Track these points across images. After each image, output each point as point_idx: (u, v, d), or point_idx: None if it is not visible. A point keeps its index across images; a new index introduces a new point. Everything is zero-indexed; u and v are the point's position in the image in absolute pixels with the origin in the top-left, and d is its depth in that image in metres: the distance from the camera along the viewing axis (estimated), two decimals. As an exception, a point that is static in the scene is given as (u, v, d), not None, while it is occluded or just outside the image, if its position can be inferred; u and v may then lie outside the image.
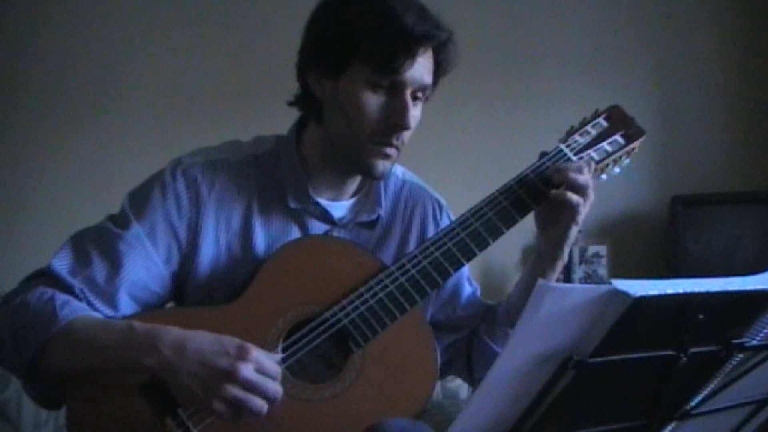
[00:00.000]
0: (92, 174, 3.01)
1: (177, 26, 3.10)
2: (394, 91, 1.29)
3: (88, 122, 3.06)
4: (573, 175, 1.33)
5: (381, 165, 1.33)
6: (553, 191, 1.34)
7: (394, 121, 1.29)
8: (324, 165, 1.38)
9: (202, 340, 1.17)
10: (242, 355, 1.15)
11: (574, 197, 1.33)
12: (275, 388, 1.17)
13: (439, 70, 1.35)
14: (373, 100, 1.29)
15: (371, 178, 1.37)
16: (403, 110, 1.29)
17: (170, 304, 1.38)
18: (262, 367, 1.17)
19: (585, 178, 1.33)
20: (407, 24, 1.26)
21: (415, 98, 1.31)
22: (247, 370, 1.14)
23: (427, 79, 1.31)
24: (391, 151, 1.32)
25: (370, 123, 1.29)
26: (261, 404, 1.16)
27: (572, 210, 1.33)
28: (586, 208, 1.35)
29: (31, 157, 3.04)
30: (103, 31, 3.08)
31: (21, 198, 3.03)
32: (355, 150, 1.32)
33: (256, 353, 1.16)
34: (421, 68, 1.29)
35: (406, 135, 1.32)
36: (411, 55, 1.26)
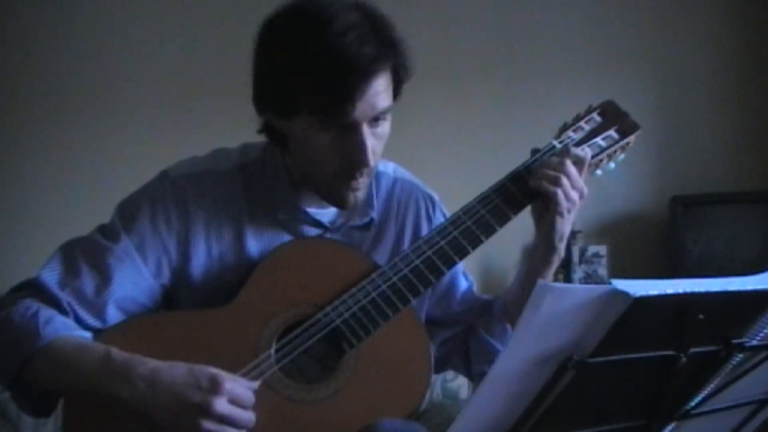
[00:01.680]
0: (92, 174, 3.01)
1: (177, 26, 3.10)
2: (349, 129, 1.23)
3: (88, 122, 3.06)
4: (544, 170, 1.33)
5: (351, 197, 1.31)
6: (531, 181, 1.33)
7: (354, 160, 1.25)
8: (306, 178, 1.35)
9: (176, 374, 1.17)
10: (215, 389, 1.15)
11: (550, 187, 1.31)
12: (249, 418, 1.18)
13: (398, 84, 1.28)
14: (328, 142, 1.24)
15: (342, 209, 1.36)
16: (362, 149, 1.23)
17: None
18: (235, 397, 1.17)
19: (555, 175, 1.32)
20: (347, 60, 1.18)
21: (376, 120, 1.25)
22: (220, 405, 1.15)
23: (383, 104, 1.24)
24: (358, 184, 1.29)
25: (329, 164, 1.26)
26: None
27: (552, 201, 1.32)
28: (574, 201, 1.33)
29: (31, 157, 3.04)
30: (103, 31, 3.08)
31: (21, 198, 3.03)
32: (322, 187, 1.31)
33: (229, 385, 1.17)
34: (372, 98, 1.22)
35: (372, 163, 1.27)
36: (353, 99, 1.19)
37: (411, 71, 1.29)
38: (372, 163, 1.26)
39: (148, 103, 3.07)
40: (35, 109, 3.05)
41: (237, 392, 1.17)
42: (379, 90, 1.23)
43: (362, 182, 1.30)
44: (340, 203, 1.32)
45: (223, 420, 1.15)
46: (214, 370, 1.18)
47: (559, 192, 1.31)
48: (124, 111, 3.07)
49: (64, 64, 3.06)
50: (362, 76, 1.19)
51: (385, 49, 1.22)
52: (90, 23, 3.08)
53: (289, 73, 1.23)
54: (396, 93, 1.29)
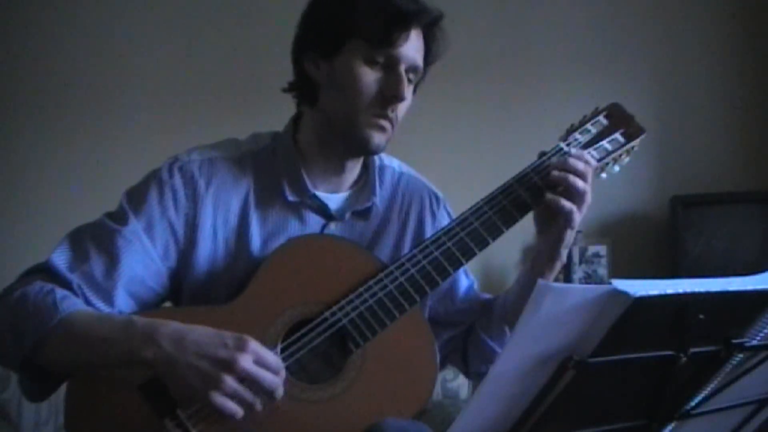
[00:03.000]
0: (92, 174, 3.01)
1: (177, 26, 3.11)
2: (389, 65, 1.33)
3: (87, 122, 3.06)
4: (573, 179, 1.33)
5: (377, 137, 1.35)
6: (548, 196, 1.34)
7: (389, 93, 1.32)
8: (320, 154, 1.40)
9: (201, 333, 1.17)
10: (241, 347, 1.15)
11: (567, 204, 1.32)
12: (273, 379, 1.17)
13: (429, 55, 1.39)
14: (369, 75, 1.32)
15: (367, 152, 1.39)
16: (399, 83, 1.32)
17: (167, 304, 1.38)
18: (262, 358, 1.16)
19: (584, 185, 1.33)
20: (399, 3, 1.32)
21: (408, 78, 1.35)
22: (245, 361, 1.14)
23: (419, 59, 1.36)
24: (386, 123, 1.35)
25: (366, 96, 1.33)
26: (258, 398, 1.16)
27: (567, 215, 1.33)
28: (583, 212, 1.35)
29: (31, 157, 3.04)
30: (104, 30, 3.08)
31: (21, 198, 3.03)
32: (352, 123, 1.34)
33: (255, 345, 1.17)
34: (413, 47, 1.34)
35: (400, 109, 1.36)
36: (405, 29, 1.31)
37: (440, 52, 1.40)
38: (405, 96, 1.33)
39: (148, 103, 3.08)
40: (35, 109, 3.05)
41: (263, 353, 1.17)
42: (419, 44, 1.36)
43: (388, 125, 1.35)
44: (364, 143, 1.35)
45: (248, 377, 1.15)
46: (238, 333, 1.18)
47: (578, 209, 1.33)
48: (124, 111, 3.07)
49: (64, 64, 3.06)
50: (412, 15, 1.33)
51: (428, 10, 1.36)
52: (90, 23, 3.08)
53: (348, 2, 1.33)
54: (425, 68, 1.39)
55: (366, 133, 1.34)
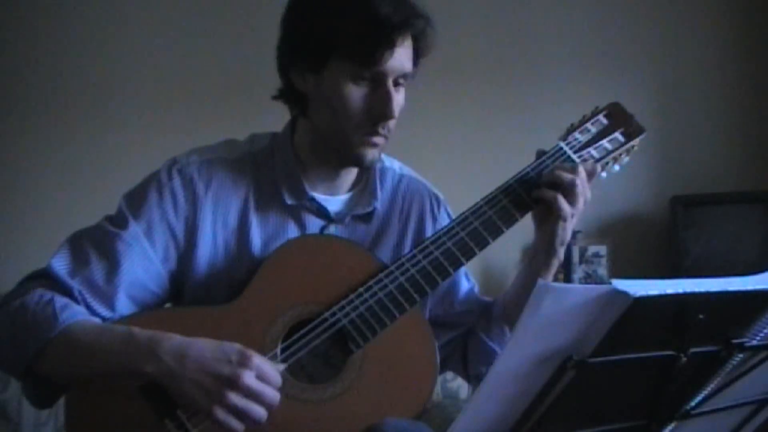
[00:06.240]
0: (92, 174, 3.01)
1: (177, 26, 3.10)
2: (377, 81, 1.30)
3: (87, 122, 3.05)
4: (565, 175, 1.33)
5: (370, 154, 1.34)
6: (542, 191, 1.34)
7: (379, 112, 1.30)
8: (316, 158, 1.39)
9: (204, 347, 1.17)
10: (244, 362, 1.16)
11: (558, 198, 1.32)
12: (275, 395, 1.17)
13: (418, 55, 1.36)
14: (356, 93, 1.30)
15: (361, 167, 1.39)
16: (387, 100, 1.30)
17: (168, 305, 1.38)
18: (263, 374, 1.17)
19: (571, 177, 1.33)
20: (384, 14, 1.27)
21: (396, 84, 1.32)
22: (248, 378, 1.15)
23: (408, 66, 1.32)
24: (378, 140, 1.33)
25: (355, 115, 1.30)
26: (262, 412, 1.16)
27: (558, 210, 1.33)
28: (578, 208, 1.34)
29: (31, 158, 3.04)
30: (103, 31, 3.08)
31: (21, 198, 3.03)
32: (343, 142, 1.33)
33: (258, 360, 1.17)
34: (401, 56, 1.30)
35: (392, 122, 1.34)
36: (390, 45, 1.27)
37: (429, 51, 1.36)
38: (395, 114, 1.31)
39: (148, 102, 3.07)
40: (35, 109, 3.04)
41: (265, 369, 1.17)
42: (407, 51, 1.32)
43: (381, 140, 1.34)
44: (358, 159, 1.35)
45: (250, 394, 1.15)
46: (241, 346, 1.18)
47: (572, 204, 1.33)
48: (125, 111, 3.07)
49: (63, 63, 3.06)
50: (398, 28, 1.28)
51: (416, 15, 1.31)
52: (90, 23, 3.08)
53: (329, 15, 1.28)
54: (415, 67, 1.35)
55: (358, 152, 1.33)
